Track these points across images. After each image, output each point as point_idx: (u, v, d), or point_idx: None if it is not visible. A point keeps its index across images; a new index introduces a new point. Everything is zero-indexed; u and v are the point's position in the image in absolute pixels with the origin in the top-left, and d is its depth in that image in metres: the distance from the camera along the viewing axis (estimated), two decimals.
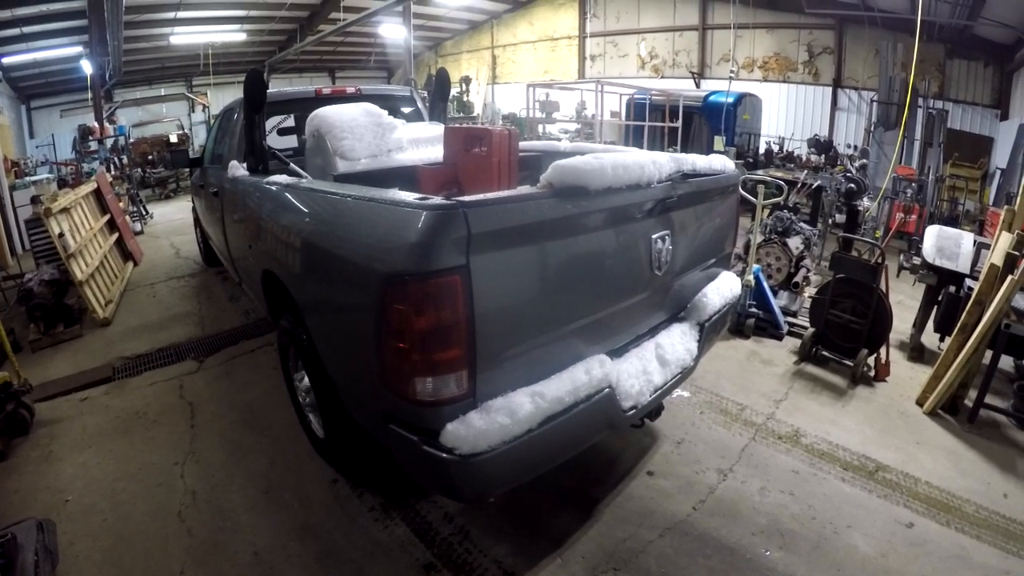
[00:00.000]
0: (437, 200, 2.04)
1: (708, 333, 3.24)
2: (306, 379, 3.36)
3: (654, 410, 3.13)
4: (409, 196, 2.21)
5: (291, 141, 5.58)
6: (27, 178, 11.41)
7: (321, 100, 5.11)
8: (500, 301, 2.09)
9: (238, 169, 4.32)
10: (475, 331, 2.00)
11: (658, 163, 2.65)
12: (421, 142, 4.40)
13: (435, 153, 4.29)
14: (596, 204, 2.36)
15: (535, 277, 2.22)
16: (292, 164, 4.26)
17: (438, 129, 4.46)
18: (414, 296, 1.93)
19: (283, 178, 3.47)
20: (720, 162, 3.35)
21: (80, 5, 12.08)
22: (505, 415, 2.08)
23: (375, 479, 3.42)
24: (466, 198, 2.01)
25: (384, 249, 2.12)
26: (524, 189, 2.49)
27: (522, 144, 4.53)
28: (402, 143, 4.29)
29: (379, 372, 2.16)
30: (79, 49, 14.34)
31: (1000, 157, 11.98)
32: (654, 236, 2.72)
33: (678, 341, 3.03)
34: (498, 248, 2.03)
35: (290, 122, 5.68)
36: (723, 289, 3.49)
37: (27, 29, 12.95)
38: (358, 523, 3.13)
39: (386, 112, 4.37)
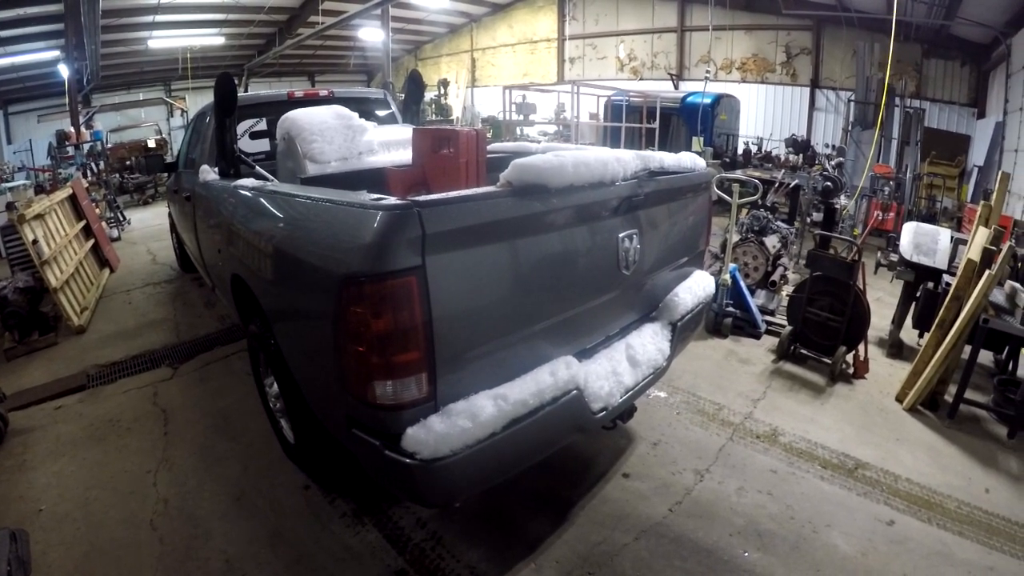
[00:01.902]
0: (391, 200, 2.01)
1: (681, 333, 3.21)
2: (276, 384, 3.32)
3: (626, 412, 3.08)
4: (365, 197, 2.17)
5: (264, 145, 5.53)
6: (3, 184, 11.25)
7: (293, 103, 5.07)
8: (459, 302, 2.05)
9: (209, 173, 4.27)
10: (434, 333, 1.96)
11: (622, 161, 2.61)
12: (392, 144, 4.36)
13: (406, 156, 4.25)
14: (557, 202, 2.32)
15: (496, 277, 2.18)
16: (258, 167, 4.21)
17: (409, 132, 4.42)
18: (370, 298, 1.89)
19: (250, 182, 3.43)
20: (690, 159, 3.32)
21: (57, 9, 11.97)
22: (466, 418, 2.04)
23: (347, 484, 3.37)
24: (421, 198, 1.97)
25: (340, 251, 2.08)
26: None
27: (494, 146, 4.51)
28: (373, 145, 4.25)
29: (339, 376, 2.12)
30: (56, 53, 14.20)
31: (977, 155, 12.13)
32: (621, 235, 2.68)
33: (649, 341, 2.99)
34: (455, 248, 1.99)
35: (263, 126, 5.62)
36: (696, 288, 3.46)
37: (3, 33, 12.87)
38: (330, 529, 3.09)
39: (357, 115, 4.33)
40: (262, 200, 3.09)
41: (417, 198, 1.97)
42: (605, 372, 2.66)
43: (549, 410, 2.28)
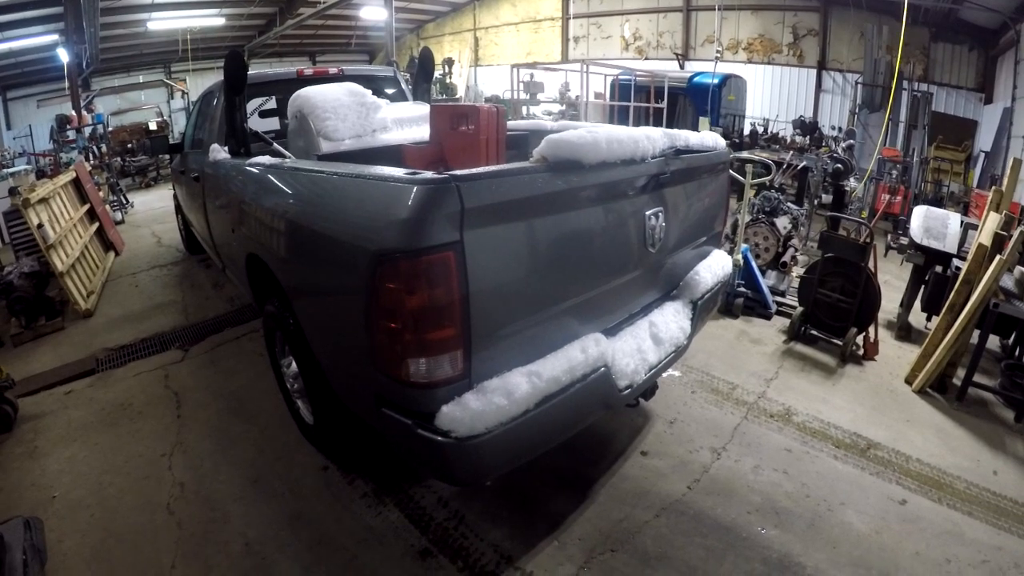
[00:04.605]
0: (428, 174, 1.97)
1: (701, 311, 3.21)
2: (294, 365, 3.30)
3: (648, 389, 3.10)
4: (398, 171, 2.13)
5: (272, 124, 5.48)
6: (4, 170, 11.17)
7: (303, 81, 5.01)
8: (495, 278, 2.03)
9: (219, 152, 4.23)
10: (470, 309, 1.95)
11: (652, 138, 2.60)
12: (406, 122, 4.31)
13: (420, 133, 4.21)
14: (590, 179, 2.31)
15: (530, 253, 2.17)
16: (276, 144, 4.17)
17: (423, 109, 4.38)
18: (406, 274, 1.87)
19: (266, 159, 3.39)
20: (712, 139, 3.31)
21: None
22: (502, 396, 2.02)
23: (367, 465, 3.37)
24: (459, 172, 1.94)
25: (373, 226, 2.05)
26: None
27: (508, 123, 4.47)
28: (386, 123, 4.20)
29: (370, 354, 2.10)
30: (55, 37, 14.06)
31: (984, 140, 12.07)
32: (647, 212, 2.68)
33: (671, 319, 2.99)
34: (493, 223, 1.98)
35: (271, 104, 5.57)
36: (715, 267, 3.46)
37: (1, 18, 12.67)
38: (350, 510, 3.08)
39: (370, 92, 4.29)
40: (284, 177, 3.04)
41: (455, 172, 1.94)
42: (630, 349, 2.65)
43: (580, 387, 2.28)
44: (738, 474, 3.36)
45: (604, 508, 3.06)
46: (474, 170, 2.02)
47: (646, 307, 3.05)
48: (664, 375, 4.24)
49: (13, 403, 4.06)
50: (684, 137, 2.98)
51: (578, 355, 2.31)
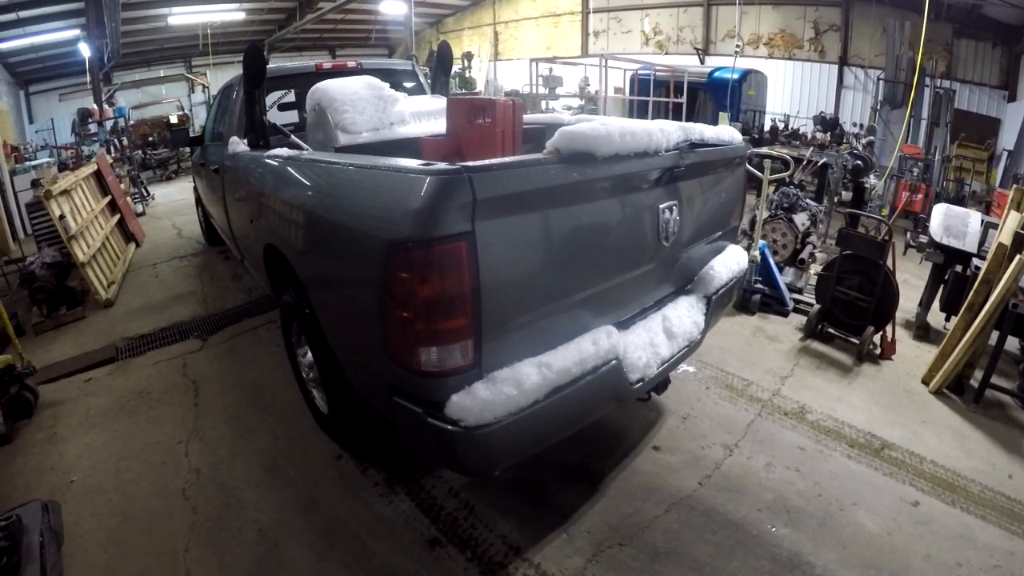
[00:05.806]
0: (441, 165, 1.99)
1: (715, 307, 3.19)
2: (309, 354, 3.33)
3: (661, 384, 3.09)
4: (412, 162, 2.16)
5: (292, 117, 5.52)
6: (27, 163, 11.30)
7: (322, 75, 5.04)
8: (507, 269, 2.04)
9: (239, 145, 4.27)
10: (481, 299, 1.96)
11: (665, 131, 2.59)
12: (424, 115, 4.33)
13: (438, 126, 4.23)
14: (603, 171, 2.31)
15: (542, 245, 2.17)
16: (293, 136, 4.20)
17: (441, 103, 4.40)
18: (418, 263, 1.88)
19: (284, 151, 3.43)
20: (728, 133, 3.28)
21: None
22: (511, 386, 2.03)
23: (379, 454, 3.40)
24: (471, 163, 1.96)
25: (387, 216, 2.07)
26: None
27: (525, 117, 4.48)
28: (404, 116, 4.22)
29: (382, 343, 2.12)
30: (77, 32, 14.25)
31: (1007, 138, 11.89)
32: (661, 206, 2.67)
33: (685, 314, 2.98)
34: (504, 214, 1.98)
35: (290, 98, 5.62)
36: (730, 262, 3.44)
37: (23, 14, 12.86)
38: (362, 499, 3.11)
39: (388, 85, 4.31)
40: (302, 169, 3.07)
41: (467, 163, 1.95)
42: (643, 343, 2.65)
43: (590, 379, 2.28)
44: (750, 471, 3.35)
45: (614, 502, 3.06)
46: (486, 161, 2.04)
47: (660, 301, 3.04)
48: (678, 370, 4.25)
49: (34, 390, 4.12)
50: (699, 131, 2.95)
51: (589, 347, 2.32)
